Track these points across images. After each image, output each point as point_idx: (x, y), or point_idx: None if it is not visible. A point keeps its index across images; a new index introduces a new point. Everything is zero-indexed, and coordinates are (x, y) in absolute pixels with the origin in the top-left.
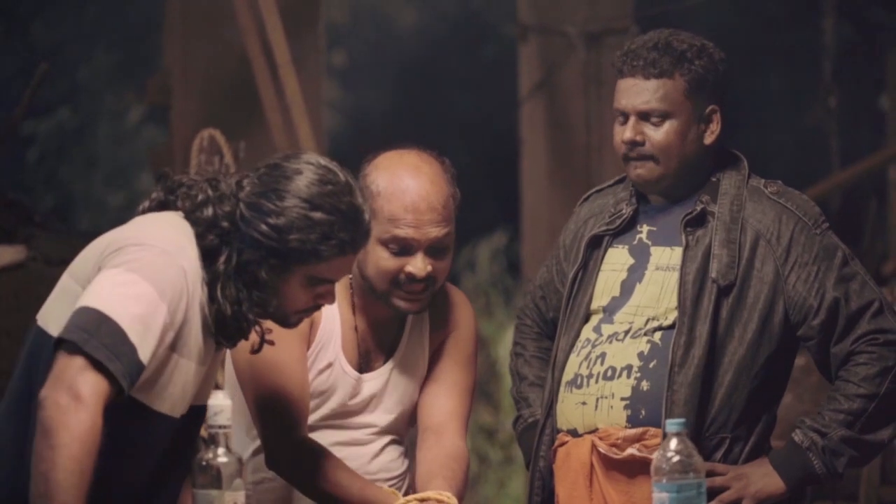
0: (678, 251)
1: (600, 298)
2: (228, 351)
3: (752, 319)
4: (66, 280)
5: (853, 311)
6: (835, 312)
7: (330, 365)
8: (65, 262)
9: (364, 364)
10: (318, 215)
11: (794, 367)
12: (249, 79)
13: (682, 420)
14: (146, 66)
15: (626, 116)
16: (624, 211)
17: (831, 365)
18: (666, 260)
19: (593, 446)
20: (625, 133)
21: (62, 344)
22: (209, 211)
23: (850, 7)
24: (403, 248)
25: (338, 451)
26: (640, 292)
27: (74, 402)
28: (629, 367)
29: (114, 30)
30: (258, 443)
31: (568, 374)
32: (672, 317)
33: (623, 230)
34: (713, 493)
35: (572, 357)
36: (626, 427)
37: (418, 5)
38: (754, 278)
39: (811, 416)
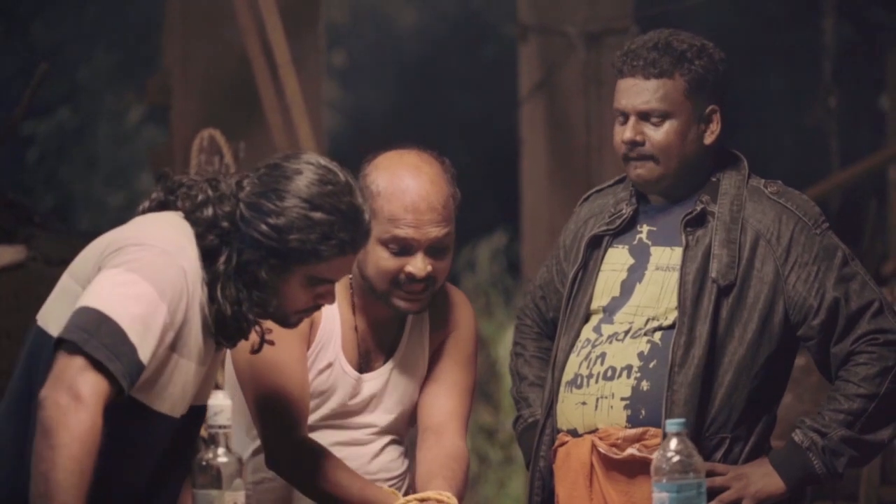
0: (678, 251)
1: (600, 298)
2: (228, 351)
3: (752, 319)
4: (66, 280)
5: (853, 311)
6: (835, 312)
7: (330, 365)
8: (65, 263)
9: (364, 364)
10: (318, 215)
11: (794, 367)
12: (249, 79)
13: (682, 420)
14: (146, 66)
15: (626, 116)
16: (624, 211)
17: (831, 365)
18: (666, 260)
19: (593, 446)
20: (625, 133)
21: (62, 344)
22: (209, 211)
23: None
24: (403, 248)
25: (338, 451)
26: (640, 292)
27: (74, 402)
28: (629, 367)
29: (114, 30)
30: (258, 443)
31: (568, 374)
32: (672, 317)
33: (623, 230)
34: (713, 493)
35: (572, 357)
36: (626, 427)
37: (418, 5)
38: (754, 278)
39: (811, 416)
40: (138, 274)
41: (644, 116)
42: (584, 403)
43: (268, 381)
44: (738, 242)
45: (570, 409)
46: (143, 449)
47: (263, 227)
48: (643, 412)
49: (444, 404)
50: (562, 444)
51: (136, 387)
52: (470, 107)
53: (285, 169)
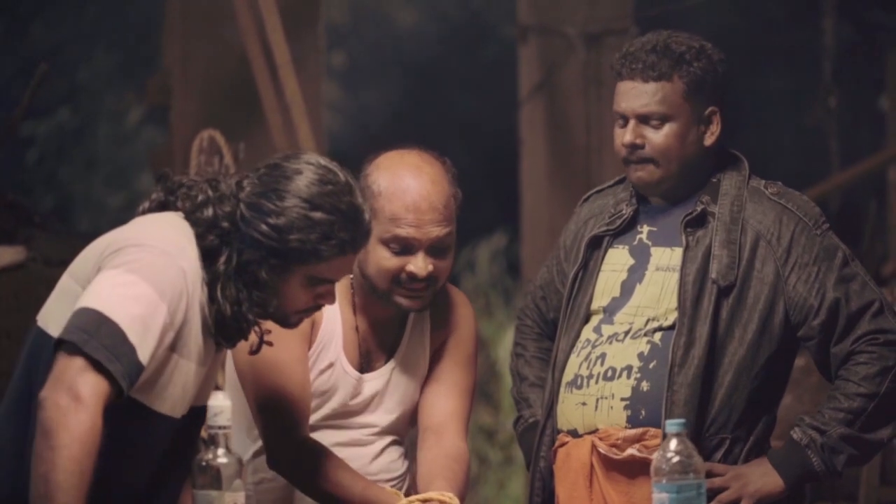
0: (678, 252)
1: (600, 299)
2: (229, 351)
3: (753, 320)
4: (65, 280)
5: (853, 311)
6: (835, 313)
7: (331, 365)
8: (64, 263)
9: (365, 364)
10: (318, 215)
11: (794, 368)
12: (249, 79)
13: (682, 420)
14: (146, 66)
15: (625, 119)
16: (624, 211)
17: (831, 365)
18: (666, 260)
19: (593, 447)
20: (625, 136)
21: (62, 345)
22: (209, 211)
23: (850, 8)
24: (405, 247)
25: (338, 452)
26: (640, 293)
27: (74, 403)
28: (629, 368)
29: (114, 30)
30: (259, 444)
31: (568, 375)
32: (672, 317)
33: (623, 230)
34: (713, 493)
35: (572, 357)
36: (626, 427)
37: (418, 6)
38: (754, 279)
39: (810, 414)
40: (138, 275)
41: (643, 119)
42: (584, 404)
43: (269, 381)
44: (738, 243)
45: (571, 410)
46: (144, 449)
47: (263, 227)
48: (643, 413)
49: (444, 405)
50: (562, 445)
51: (136, 387)
52: (470, 107)
53: (285, 169)
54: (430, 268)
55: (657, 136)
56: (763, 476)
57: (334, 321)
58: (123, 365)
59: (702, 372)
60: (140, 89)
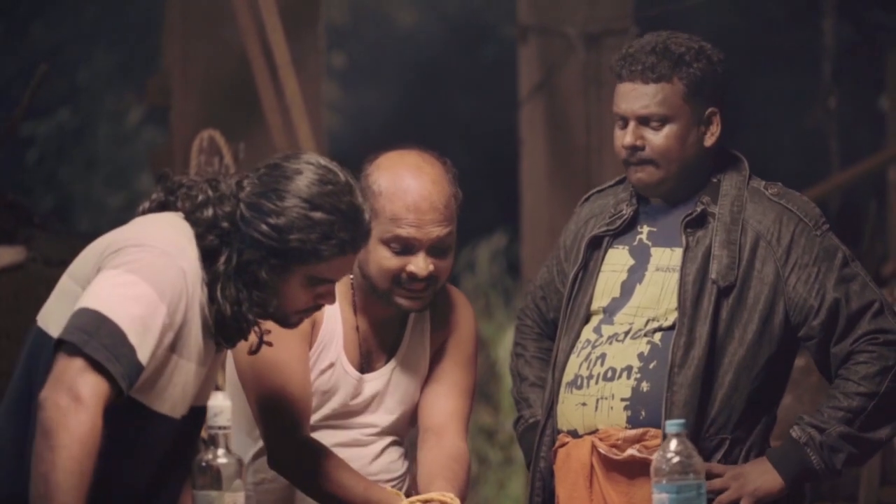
0: (678, 252)
1: (600, 299)
2: (230, 352)
3: (753, 320)
4: (65, 281)
5: (854, 311)
6: (835, 313)
7: (332, 365)
8: (64, 263)
9: (365, 364)
10: (318, 215)
11: (794, 368)
12: (249, 79)
13: (681, 421)
14: (146, 66)
15: (625, 121)
16: (624, 211)
17: (831, 365)
18: (666, 261)
19: (593, 447)
20: (625, 138)
21: (62, 345)
22: (209, 211)
23: (850, 8)
24: (405, 247)
25: (339, 452)
26: (640, 293)
27: (74, 404)
28: (629, 368)
29: (114, 30)
30: (260, 444)
31: (568, 375)
32: (672, 318)
33: (623, 231)
34: (713, 494)
35: (572, 358)
36: (626, 428)
37: (418, 6)
38: (754, 279)
39: (810, 413)
40: (138, 275)
41: (644, 121)
42: (584, 404)
43: (270, 382)
44: (738, 243)
45: (571, 410)
46: (144, 450)
47: (264, 227)
48: (643, 413)
49: (444, 405)
50: (562, 445)
51: (136, 388)
52: (469, 107)
53: (285, 169)
54: (431, 268)
55: (657, 138)
56: (762, 475)
57: (335, 321)
58: (123, 365)
59: (702, 372)
60: (140, 89)
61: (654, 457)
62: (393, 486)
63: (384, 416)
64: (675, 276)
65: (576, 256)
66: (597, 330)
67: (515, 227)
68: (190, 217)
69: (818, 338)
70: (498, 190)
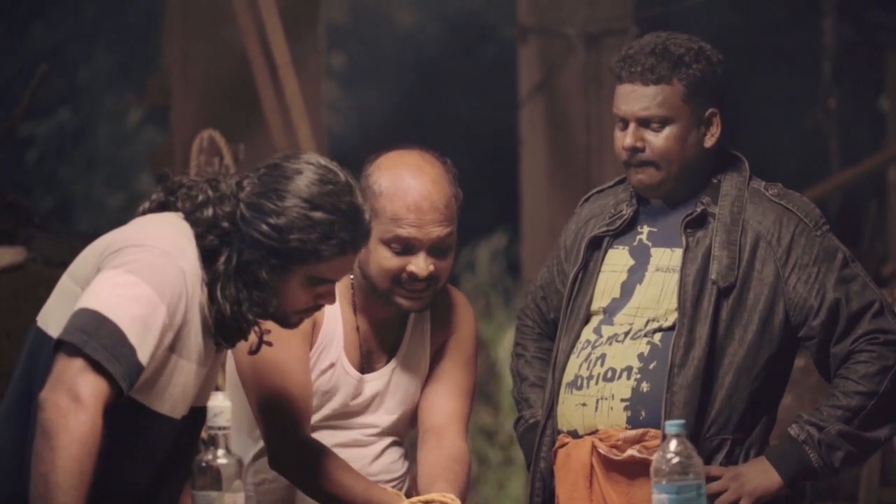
0: (678, 252)
1: (600, 299)
2: (230, 352)
3: (753, 321)
4: (65, 281)
5: (854, 311)
6: (835, 313)
7: (332, 365)
8: (64, 264)
9: (366, 364)
10: (318, 215)
11: (793, 369)
12: (249, 80)
13: (681, 421)
14: (146, 66)
15: (625, 122)
16: (624, 212)
17: (830, 365)
18: (666, 261)
19: (593, 447)
20: (625, 140)
21: (62, 345)
22: (209, 211)
23: (850, 8)
24: (406, 247)
25: (339, 453)
26: (640, 293)
27: (74, 404)
28: (629, 369)
29: (114, 30)
30: (261, 445)
31: (568, 376)
32: (672, 318)
33: (623, 231)
34: (712, 497)
35: (572, 358)
36: (626, 428)
37: (418, 6)
38: (754, 280)
39: (808, 411)
40: (137, 275)
41: (644, 123)
42: (584, 405)
43: (270, 382)
44: (738, 244)
45: (571, 411)
46: (144, 450)
47: (264, 226)
48: (643, 413)
49: (445, 405)
50: (562, 446)
51: (136, 388)
52: (469, 108)
53: (285, 169)
54: (431, 268)
55: (657, 140)
56: (760, 474)
57: (335, 321)
58: (123, 366)
59: (701, 373)
60: (140, 89)
61: (654, 457)
62: (393, 487)
63: (384, 416)
64: (675, 277)
65: (576, 257)
66: (597, 330)
67: (515, 227)
68: (190, 217)
69: (818, 338)
70: (498, 190)
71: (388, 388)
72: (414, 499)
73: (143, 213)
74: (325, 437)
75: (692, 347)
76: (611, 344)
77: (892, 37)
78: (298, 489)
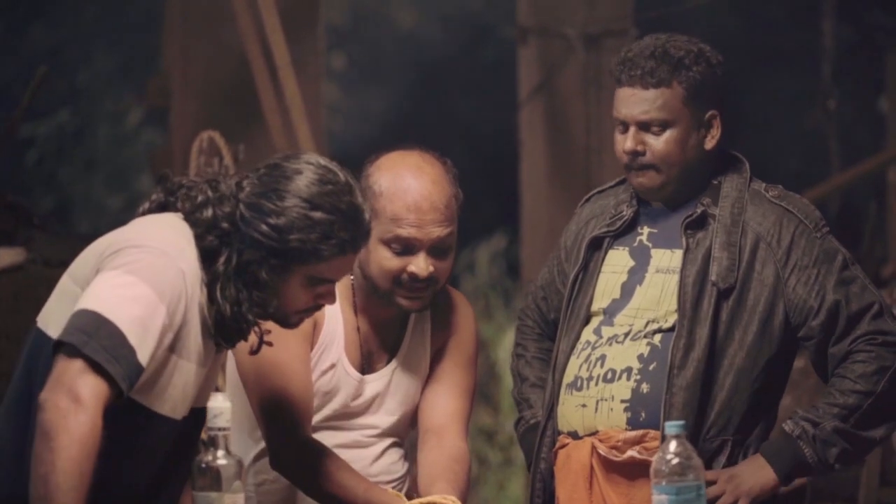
0: (678, 253)
1: (600, 300)
2: (231, 353)
3: (753, 322)
4: (65, 282)
5: (853, 312)
6: (835, 314)
7: (333, 366)
8: (64, 264)
9: (366, 365)
10: (318, 215)
11: (793, 370)
12: (249, 80)
13: (681, 422)
14: (146, 67)
15: (625, 126)
16: (624, 213)
17: (828, 365)
18: (666, 262)
19: (593, 448)
20: (626, 143)
21: (61, 346)
22: (209, 212)
23: (850, 9)
24: (406, 247)
25: (340, 454)
26: (640, 294)
27: (74, 405)
28: (629, 370)
29: (114, 31)
30: (262, 445)
31: (568, 377)
32: (672, 319)
33: (623, 232)
34: (711, 501)
35: (572, 359)
36: (626, 429)
37: (418, 7)
38: (754, 281)
39: (805, 408)
40: (137, 276)
41: (644, 126)
42: (584, 406)
43: (272, 382)
44: (738, 245)
45: (571, 412)
46: (144, 451)
47: (264, 227)
48: (643, 414)
49: (445, 406)
50: (562, 447)
51: (136, 389)
52: (469, 109)
53: (285, 169)
54: (431, 268)
55: (658, 143)
56: (755, 472)
57: (336, 322)
58: (123, 366)
59: (701, 374)
60: (140, 90)
61: (654, 458)
62: (393, 488)
63: (385, 417)
64: (675, 278)
65: (576, 257)
66: (597, 331)
67: (515, 228)
68: (189, 218)
69: (817, 338)
70: (498, 191)
71: (389, 388)
72: (415, 500)
73: (143, 213)
74: (325, 438)
75: (692, 349)
76: (611, 345)
77: (892, 37)
78: (299, 490)
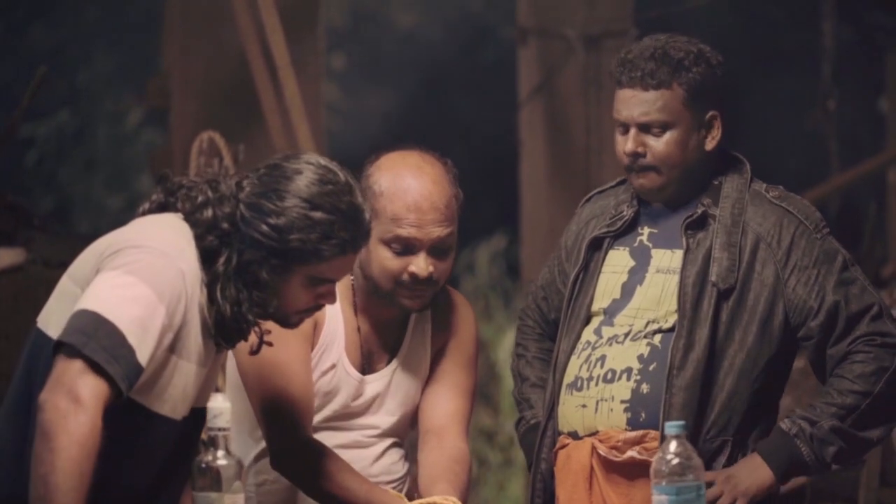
0: (679, 254)
1: (601, 300)
2: (231, 353)
3: (753, 323)
4: (65, 282)
5: (853, 313)
6: (834, 315)
7: (333, 366)
8: (64, 265)
9: (367, 365)
10: (318, 215)
11: (793, 370)
12: (249, 81)
13: (681, 422)
14: (146, 67)
15: (626, 127)
16: (625, 213)
17: (826, 365)
18: (666, 262)
19: (593, 449)
20: (626, 145)
21: (61, 347)
22: (209, 212)
23: (850, 9)
24: (406, 247)
25: (340, 454)
26: (640, 295)
27: (74, 406)
28: (629, 370)
29: (114, 31)
30: (262, 445)
31: (568, 377)
32: (672, 320)
33: (624, 232)
34: (710, 503)
35: (573, 359)
36: (626, 430)
37: (418, 8)
38: (754, 281)
39: (802, 407)
40: (136, 276)
41: (644, 128)
42: (584, 406)
43: (273, 383)
44: (738, 246)
45: (571, 412)
46: (144, 451)
47: (264, 227)
48: (643, 415)
49: (445, 406)
50: (562, 447)
51: (136, 389)
52: (469, 109)
53: (285, 169)
54: (431, 268)
55: (658, 144)
56: (752, 472)
57: (336, 322)
58: (122, 366)
59: (700, 375)
60: (140, 91)
61: (654, 458)
62: (393, 488)
63: (385, 417)
64: (676, 278)
65: (577, 257)
66: (597, 331)
67: (515, 228)
68: (189, 218)
69: (816, 338)
70: (497, 192)
71: (389, 389)
72: (416, 502)
73: (143, 213)
74: (325, 439)
75: (691, 349)
76: (611, 345)
77: (892, 37)
78: (300, 490)
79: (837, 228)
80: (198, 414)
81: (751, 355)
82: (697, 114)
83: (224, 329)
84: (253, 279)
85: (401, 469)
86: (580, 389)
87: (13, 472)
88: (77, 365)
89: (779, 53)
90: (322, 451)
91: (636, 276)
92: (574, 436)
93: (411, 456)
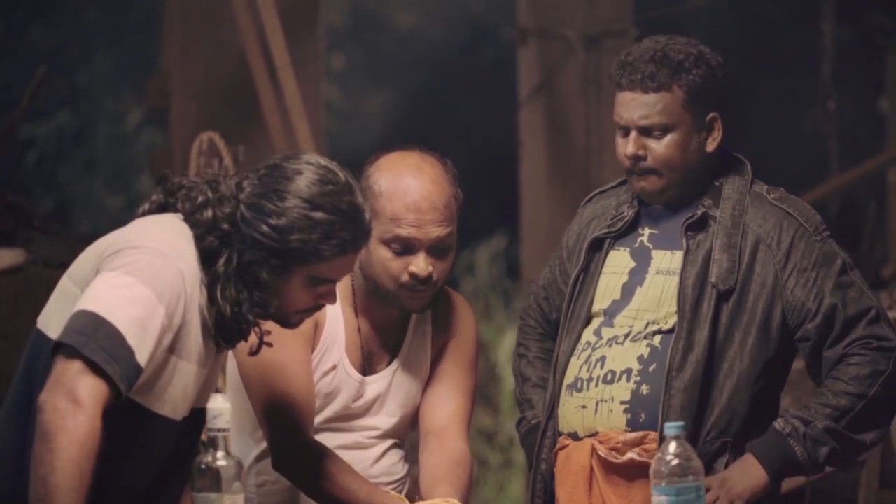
0: (679, 255)
1: (601, 301)
2: (232, 354)
3: (752, 324)
4: (65, 283)
5: (850, 316)
6: (831, 318)
7: (334, 367)
8: (64, 265)
9: (367, 366)
10: (318, 215)
11: (792, 371)
12: (249, 81)
13: (680, 423)
14: (145, 68)
15: (626, 130)
16: (626, 213)
17: (822, 367)
18: (667, 264)
19: (593, 450)
20: (627, 147)
21: (60, 347)
22: (209, 213)
23: (850, 10)
24: (406, 247)
25: (341, 455)
26: (640, 296)
27: (73, 406)
28: (629, 371)
29: (114, 31)
30: (263, 446)
31: (568, 378)
32: (672, 321)
33: (624, 233)
34: None
35: (573, 360)
36: (625, 431)
37: (418, 8)
38: (754, 283)
39: (797, 408)
40: (136, 277)
41: (645, 131)
42: (584, 407)
43: (274, 384)
44: (738, 247)
45: (571, 413)
46: (144, 452)
47: (264, 227)
48: (643, 416)
49: (446, 407)
50: (562, 448)
51: (136, 389)
52: (469, 109)
53: (285, 169)
54: (431, 268)
55: (659, 147)
56: (745, 473)
57: (337, 323)
58: (122, 367)
59: (700, 376)
60: (139, 91)
61: (654, 459)
62: (394, 489)
63: (385, 418)
64: (676, 280)
65: (577, 258)
66: (597, 332)
67: (515, 229)
68: (189, 218)
69: (813, 340)
70: (497, 192)
71: (390, 390)
72: (417, 503)
73: (143, 214)
74: (326, 440)
75: (691, 351)
76: (611, 346)
77: (892, 37)
78: (301, 491)
79: (837, 229)
80: (198, 414)
81: (750, 357)
82: (698, 116)
83: (224, 329)
84: (253, 279)
85: (401, 470)
86: (580, 390)
87: (13, 472)
88: (76, 365)
89: (779, 53)
90: (323, 453)
91: (636, 277)
92: (574, 437)
93: (411, 457)
